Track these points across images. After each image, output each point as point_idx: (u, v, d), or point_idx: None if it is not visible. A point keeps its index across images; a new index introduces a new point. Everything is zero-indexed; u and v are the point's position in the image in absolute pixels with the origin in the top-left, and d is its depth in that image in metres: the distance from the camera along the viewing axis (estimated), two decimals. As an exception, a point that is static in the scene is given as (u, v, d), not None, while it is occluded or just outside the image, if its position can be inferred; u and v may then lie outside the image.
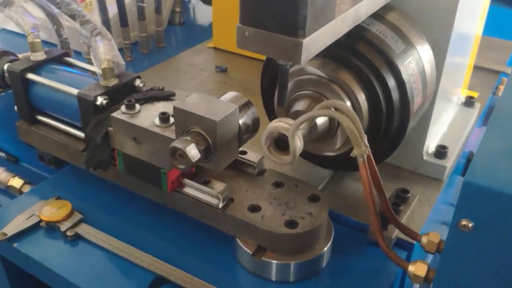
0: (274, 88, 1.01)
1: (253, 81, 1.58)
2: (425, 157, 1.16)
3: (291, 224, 0.89)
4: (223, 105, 0.85)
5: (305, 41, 0.68)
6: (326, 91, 0.92)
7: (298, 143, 0.83)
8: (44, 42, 1.80)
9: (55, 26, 1.46)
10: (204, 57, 1.75)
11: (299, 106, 0.92)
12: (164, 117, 0.91)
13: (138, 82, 1.08)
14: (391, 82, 0.91)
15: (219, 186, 0.94)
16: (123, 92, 1.04)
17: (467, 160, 1.52)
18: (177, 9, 2.05)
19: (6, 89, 1.27)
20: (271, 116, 1.07)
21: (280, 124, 0.83)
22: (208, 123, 0.81)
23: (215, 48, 1.80)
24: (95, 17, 1.67)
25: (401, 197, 1.04)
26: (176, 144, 0.80)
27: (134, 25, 1.74)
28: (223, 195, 0.92)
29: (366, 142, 0.85)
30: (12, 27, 1.87)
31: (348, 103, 0.91)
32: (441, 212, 1.28)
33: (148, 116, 0.94)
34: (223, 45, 1.78)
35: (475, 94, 1.51)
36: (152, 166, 0.94)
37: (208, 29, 1.97)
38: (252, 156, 1.01)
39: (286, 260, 0.90)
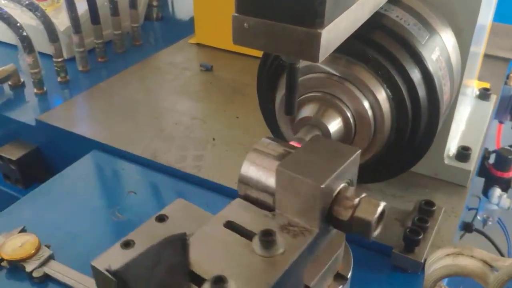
0: (273, 90, 0.86)
1: (242, 80, 1.43)
2: (446, 161, 1.02)
3: None
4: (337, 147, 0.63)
5: (324, 31, 0.52)
6: (339, 91, 0.76)
7: None
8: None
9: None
10: (186, 54, 1.58)
11: (307, 111, 0.76)
12: (270, 241, 0.55)
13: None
14: (417, 77, 0.76)
15: None
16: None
17: (483, 158, 1.38)
18: (154, 3, 1.87)
19: None
20: (270, 123, 0.91)
21: (474, 263, 0.60)
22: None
23: (198, 44, 1.63)
24: (63, 15, 1.50)
25: (426, 211, 0.90)
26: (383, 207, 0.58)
27: (107, 22, 1.57)
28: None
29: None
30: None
31: (366, 104, 0.76)
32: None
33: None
34: (206, 41, 1.61)
35: (487, 85, 1.37)
36: None
37: (190, 24, 1.80)
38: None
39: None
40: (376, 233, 0.58)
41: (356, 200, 0.57)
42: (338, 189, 0.59)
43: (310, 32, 0.52)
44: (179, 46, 1.64)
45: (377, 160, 0.83)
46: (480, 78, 1.38)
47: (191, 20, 1.77)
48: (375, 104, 0.76)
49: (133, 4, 1.61)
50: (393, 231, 0.90)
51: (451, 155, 1.03)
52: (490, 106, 1.27)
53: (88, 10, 1.50)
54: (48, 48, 1.42)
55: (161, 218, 0.68)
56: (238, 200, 0.65)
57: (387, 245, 0.85)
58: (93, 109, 1.32)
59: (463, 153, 1.02)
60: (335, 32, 0.55)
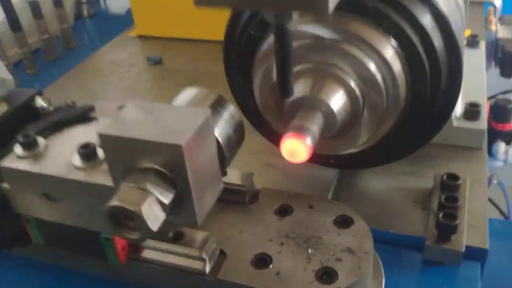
0: (247, 74, 0.68)
1: (198, 68, 1.24)
2: (455, 123, 0.87)
3: (326, 275, 0.57)
4: (184, 115, 0.50)
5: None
6: (334, 56, 0.59)
7: None
8: None
9: None
10: (129, 49, 1.38)
11: (299, 90, 0.59)
12: (87, 152, 0.56)
13: (40, 102, 0.71)
14: (429, 23, 0.60)
15: (199, 238, 0.60)
16: (20, 121, 0.67)
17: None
18: (84, -1, 1.66)
19: None
20: (252, 116, 0.73)
21: None
22: (168, 152, 0.46)
23: (140, 36, 1.43)
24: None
25: (451, 187, 0.74)
26: (118, 202, 0.45)
27: (31, 28, 1.35)
28: (209, 252, 0.59)
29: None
30: None
31: (372, 67, 0.59)
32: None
33: (61, 154, 0.58)
34: (149, 31, 1.41)
35: (468, 32, 1.24)
36: (85, 232, 0.59)
37: (126, 17, 1.61)
38: (234, 176, 0.68)
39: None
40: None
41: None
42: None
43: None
44: (119, 42, 1.44)
45: (393, 135, 0.66)
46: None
47: (127, 13, 1.58)
48: (382, 64, 0.59)
49: (58, 3, 1.39)
50: (415, 217, 0.74)
51: (458, 115, 0.89)
52: (481, 53, 1.13)
53: (5, 16, 1.28)
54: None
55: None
56: None
57: (417, 236, 0.69)
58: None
59: (472, 111, 0.88)
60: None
